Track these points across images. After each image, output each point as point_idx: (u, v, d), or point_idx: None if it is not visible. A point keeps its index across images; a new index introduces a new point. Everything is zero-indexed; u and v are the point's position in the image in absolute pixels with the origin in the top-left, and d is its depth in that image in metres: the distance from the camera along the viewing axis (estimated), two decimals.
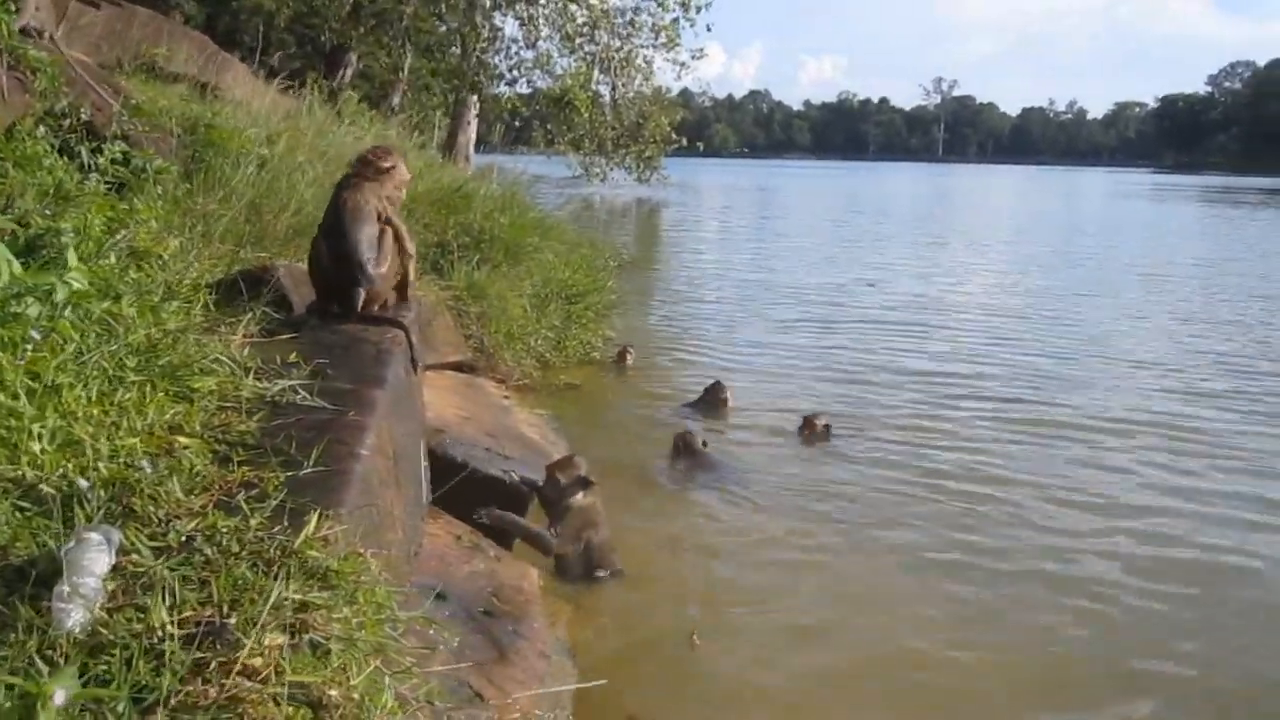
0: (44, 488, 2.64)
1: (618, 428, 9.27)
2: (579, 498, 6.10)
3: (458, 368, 9.24)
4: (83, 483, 2.63)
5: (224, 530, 2.63)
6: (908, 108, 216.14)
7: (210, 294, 5.43)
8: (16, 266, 3.53)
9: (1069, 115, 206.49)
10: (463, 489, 5.97)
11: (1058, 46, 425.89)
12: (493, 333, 10.00)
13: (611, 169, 34.56)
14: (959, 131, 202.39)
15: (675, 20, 30.86)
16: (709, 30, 35.19)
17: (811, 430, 8.98)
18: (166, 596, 2.29)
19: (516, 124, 33.57)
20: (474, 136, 33.61)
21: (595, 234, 19.51)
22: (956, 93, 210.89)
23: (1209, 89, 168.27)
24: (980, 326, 15.15)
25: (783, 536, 6.87)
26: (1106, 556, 6.71)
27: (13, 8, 7.58)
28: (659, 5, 30.69)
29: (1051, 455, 8.80)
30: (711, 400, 9.82)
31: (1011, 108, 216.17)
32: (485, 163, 29.12)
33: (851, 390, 10.89)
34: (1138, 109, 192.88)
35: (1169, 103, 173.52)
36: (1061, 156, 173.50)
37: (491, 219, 11.67)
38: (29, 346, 3.13)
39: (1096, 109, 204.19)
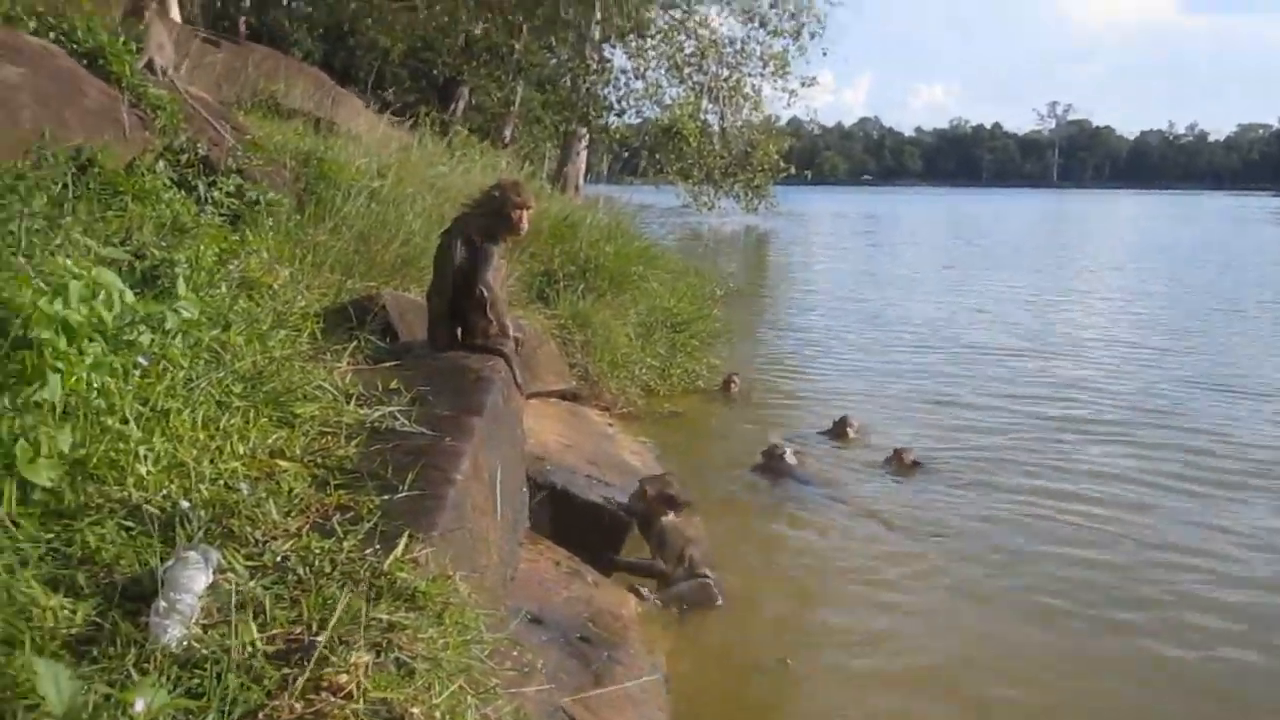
0: (148, 508, 2.74)
1: (721, 456, 9.25)
2: (670, 517, 6.09)
3: (562, 395, 9.32)
4: (184, 504, 2.72)
5: (317, 551, 2.70)
6: (1021, 133, 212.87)
7: (318, 322, 5.57)
8: (129, 296, 3.66)
9: (1189, 138, 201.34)
10: (562, 515, 6.05)
11: (1177, 68, 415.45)
12: (597, 361, 10.07)
13: (720, 198, 34.64)
14: (1074, 156, 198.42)
15: (785, 49, 30.93)
16: (824, 55, 35.12)
17: (900, 463, 8.86)
18: (258, 614, 2.36)
19: (626, 154, 33.89)
20: (584, 167, 34.02)
21: (702, 262, 19.53)
22: (1072, 117, 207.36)
23: None
24: (1094, 358, 14.68)
25: (886, 570, 6.76)
26: (1220, 610, 6.36)
27: (134, 48, 7.90)
28: (769, 34, 30.79)
29: (1168, 495, 8.47)
30: (838, 431, 9.77)
31: (1129, 131, 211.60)
32: (595, 192, 29.44)
33: (957, 420, 10.69)
34: (1261, 131, 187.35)
35: None
36: (1181, 180, 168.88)
37: (597, 248, 11.78)
38: (137, 372, 3.24)
39: (1218, 131, 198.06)
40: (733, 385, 11.37)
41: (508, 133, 30.38)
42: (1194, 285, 25.32)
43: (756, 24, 30.65)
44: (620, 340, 10.53)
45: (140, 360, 3.28)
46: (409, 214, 9.20)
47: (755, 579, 6.54)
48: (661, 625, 5.67)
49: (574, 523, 6.03)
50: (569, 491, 6.18)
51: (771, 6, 30.50)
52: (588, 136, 32.96)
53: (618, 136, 33.63)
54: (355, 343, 5.13)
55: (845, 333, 16.70)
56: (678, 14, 29.75)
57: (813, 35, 31.01)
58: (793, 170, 34.93)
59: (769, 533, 7.55)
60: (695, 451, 9.36)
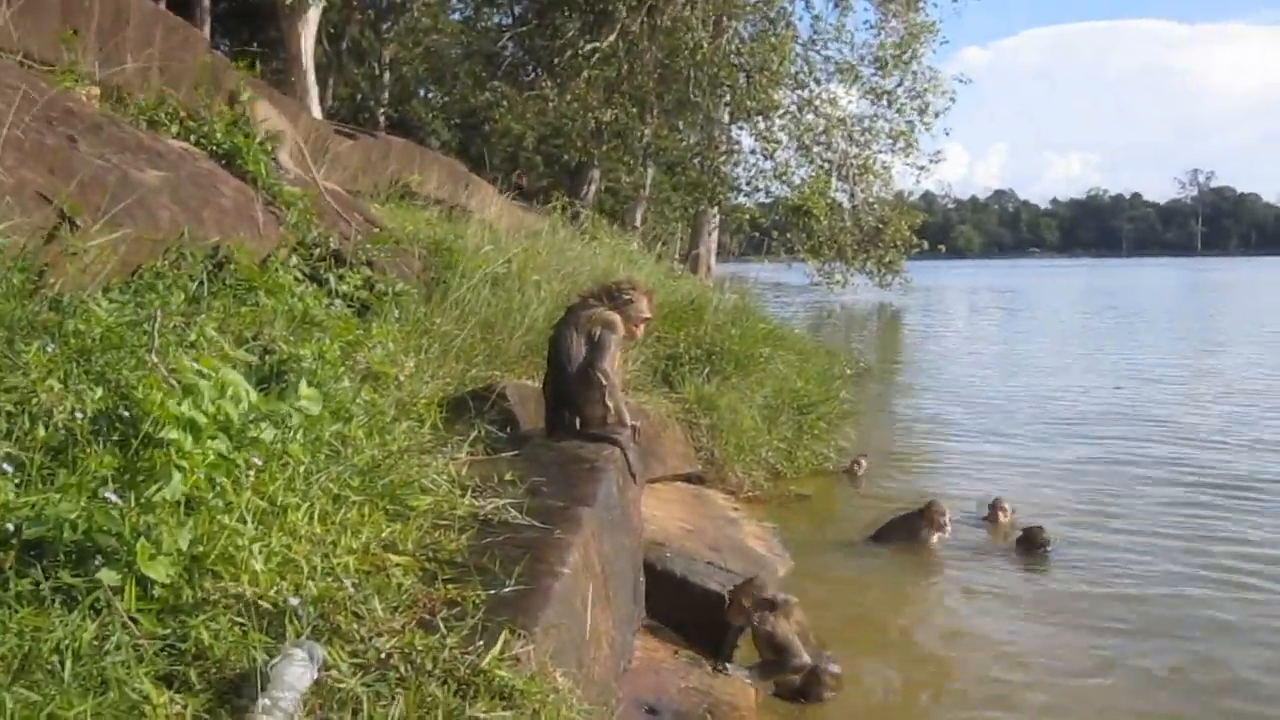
0: (260, 604, 2.83)
1: (845, 540, 9.11)
2: (771, 620, 5.96)
3: (687, 479, 9.33)
4: (293, 600, 2.80)
5: (420, 648, 2.75)
6: (1162, 201, 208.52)
7: (440, 412, 5.70)
8: (254, 394, 3.80)
9: None
10: (681, 603, 6.03)
11: None
12: (723, 444, 10.06)
13: (851, 274, 34.49)
14: (1218, 224, 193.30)
15: (911, 125, 30.88)
16: (947, 135, 34.81)
17: (1031, 544, 8.64)
18: (357, 712, 2.42)
19: (756, 234, 34.02)
20: (714, 247, 34.25)
21: (832, 341, 19.42)
22: (1214, 184, 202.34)
23: None
24: (1241, 442, 13.98)
25: (1022, 655, 6.58)
26: None
27: (269, 148, 8.26)
28: (896, 111, 30.79)
29: None
30: (991, 516, 9.54)
31: (1275, 197, 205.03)
32: (726, 272, 29.62)
33: (1095, 500, 10.37)
34: None
35: None
36: None
37: (723, 330, 11.80)
38: (250, 472, 3.36)
39: None
40: (857, 467, 11.23)
41: (638, 215, 30.80)
42: None
43: (884, 102, 30.64)
44: (746, 423, 10.49)
45: (255, 460, 3.39)
46: (534, 301, 9.35)
47: (883, 669, 6.40)
48: (780, 716, 5.60)
49: (693, 611, 6.00)
50: (688, 579, 6.15)
51: (898, 85, 30.49)
52: (718, 217, 33.23)
53: (747, 216, 33.83)
54: (475, 433, 5.22)
55: (979, 413, 16.34)
56: (805, 93, 29.91)
57: (937, 114, 30.87)
58: (925, 246, 34.63)
59: (891, 614, 7.41)
60: (820, 535, 9.24)
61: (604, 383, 5.66)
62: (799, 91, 29.91)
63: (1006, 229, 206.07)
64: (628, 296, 6.07)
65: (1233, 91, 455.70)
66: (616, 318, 5.97)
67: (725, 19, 27.89)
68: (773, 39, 28.01)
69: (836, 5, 30.03)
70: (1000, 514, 9.46)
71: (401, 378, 6.02)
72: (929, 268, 54.73)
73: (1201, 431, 14.29)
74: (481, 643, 2.83)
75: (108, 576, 2.68)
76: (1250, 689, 6.12)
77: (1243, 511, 9.87)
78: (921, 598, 7.78)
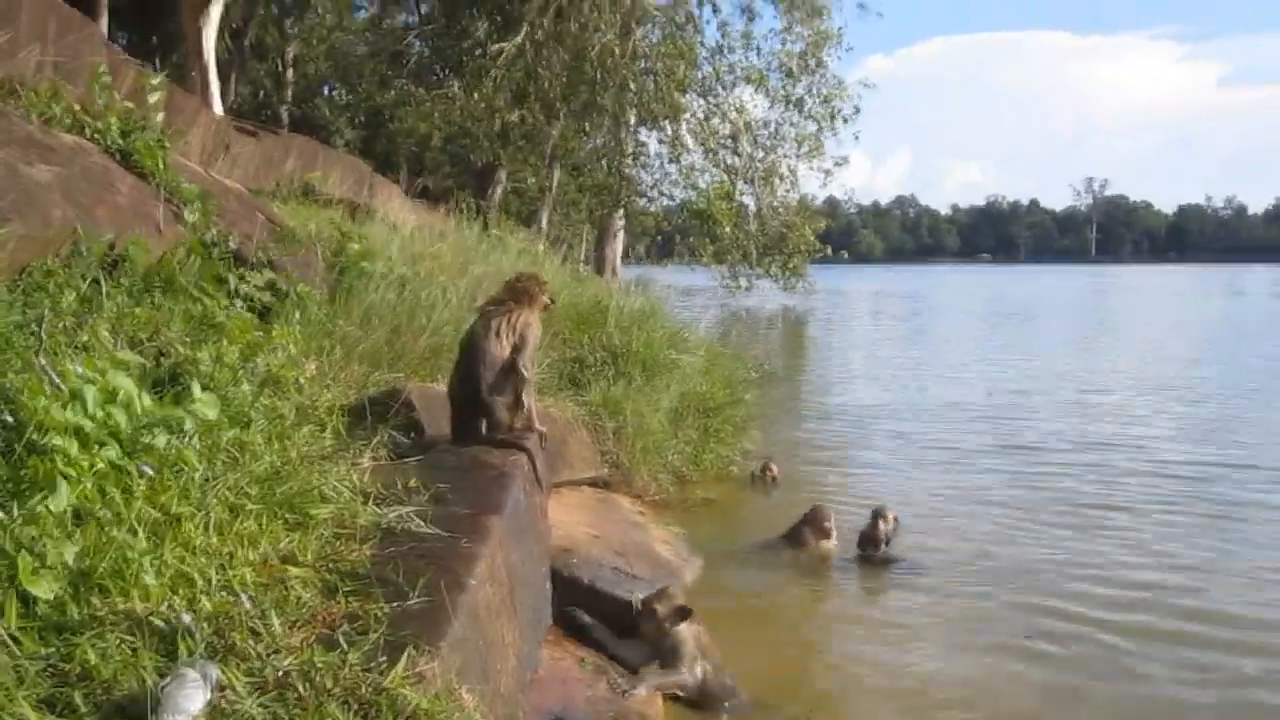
0: (152, 620, 2.70)
1: (753, 546, 9.10)
2: (681, 628, 5.92)
3: (593, 484, 9.26)
4: (186, 618, 2.69)
5: (320, 666, 2.65)
6: (1058, 209, 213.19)
7: (343, 417, 5.57)
8: (147, 400, 3.66)
9: (1229, 212, 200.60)
10: (588, 610, 5.97)
11: (1211, 143, 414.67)
12: (628, 448, 9.99)
13: (756, 278, 34.66)
14: (1113, 231, 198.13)
15: (819, 131, 31.13)
16: (856, 140, 35.09)
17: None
18: None
19: (661, 237, 34.09)
20: (620, 250, 34.23)
21: (738, 345, 19.43)
22: (1108, 192, 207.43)
23: None
24: (1133, 443, 14.27)
25: (922, 667, 6.63)
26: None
27: (165, 144, 8.01)
28: (803, 116, 31.01)
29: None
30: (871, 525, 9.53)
31: (1167, 206, 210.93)
32: (633, 276, 29.57)
33: (1002, 512, 10.50)
34: None
35: None
36: (1222, 255, 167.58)
37: (629, 333, 11.74)
38: (142, 481, 3.23)
39: (1257, 205, 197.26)
40: (770, 472, 11.24)
41: (544, 217, 30.65)
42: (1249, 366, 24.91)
43: (790, 107, 30.84)
44: (652, 426, 10.42)
45: (145, 469, 3.26)
46: (440, 303, 9.21)
47: (785, 677, 6.39)
48: None
49: (601, 618, 5.94)
50: (595, 586, 6.10)
51: (806, 92, 30.71)
52: (624, 220, 33.22)
53: (652, 220, 33.88)
54: (378, 438, 5.11)
55: (883, 417, 16.51)
56: (713, 99, 30.02)
57: (845, 120, 31.16)
58: (829, 251, 34.97)
59: (802, 625, 7.46)
60: (727, 540, 9.21)
61: (526, 381, 5.61)
62: (706, 97, 29.98)
63: (909, 235, 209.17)
64: (538, 289, 6.02)
65: (1127, 102, 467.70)
66: (535, 318, 5.91)
67: (633, 23, 27.85)
68: (680, 44, 28.07)
69: (743, 13, 30.15)
70: (880, 521, 9.44)
71: (302, 381, 5.88)
72: (833, 272, 55.30)
73: (1106, 440, 14.55)
74: (385, 660, 2.73)
75: None
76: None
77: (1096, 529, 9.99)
78: (805, 607, 7.84)
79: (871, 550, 8.58)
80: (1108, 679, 6.40)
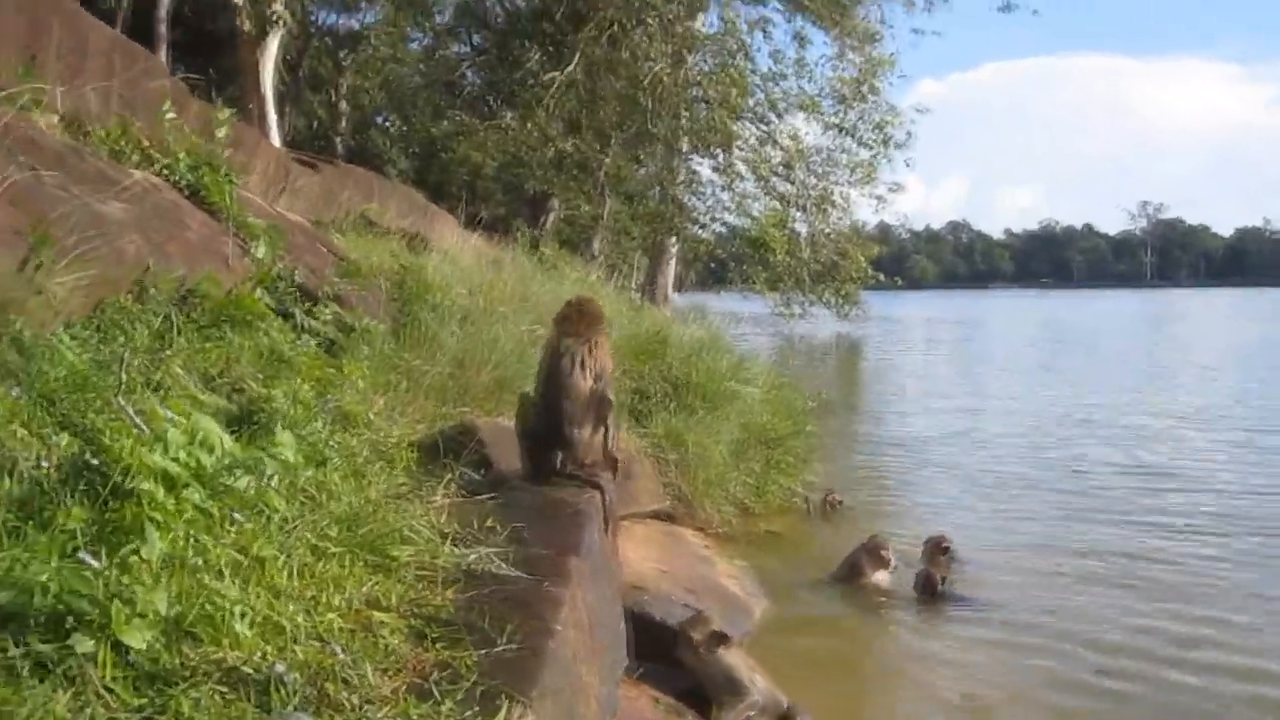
0: (244, 670, 2.66)
1: (816, 579, 9.00)
2: (725, 653, 5.82)
3: (656, 516, 9.20)
4: (279, 668, 2.64)
5: (415, 718, 2.60)
6: (1113, 233, 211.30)
7: (412, 453, 5.55)
8: (229, 442, 3.65)
9: None
10: (662, 648, 5.89)
11: (1261, 165, 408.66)
12: (691, 480, 9.93)
13: (810, 306, 34.47)
14: (1169, 255, 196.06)
15: (873, 157, 30.98)
16: (909, 165, 34.77)
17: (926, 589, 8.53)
18: None
19: (714, 265, 34.06)
20: (672, 277, 34.24)
21: (794, 373, 19.32)
22: (1164, 215, 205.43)
23: None
24: (1205, 480, 13.93)
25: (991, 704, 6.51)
26: None
27: (235, 181, 8.08)
28: (857, 143, 30.88)
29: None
30: (929, 554, 9.41)
31: (1223, 228, 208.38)
32: (685, 303, 29.56)
33: (1063, 543, 10.33)
34: None
35: None
36: None
37: (690, 364, 11.68)
38: (232, 529, 3.20)
39: None
40: (831, 501, 11.15)
41: (596, 245, 30.71)
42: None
43: (844, 134, 30.70)
44: (715, 458, 10.36)
45: (235, 515, 3.24)
46: (502, 335, 9.20)
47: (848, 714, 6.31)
48: None
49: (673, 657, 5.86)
50: (667, 624, 6.02)
51: (859, 118, 30.58)
52: (677, 247, 33.22)
53: (705, 248, 33.84)
54: (451, 476, 5.07)
55: (941, 446, 16.37)
56: (767, 127, 29.98)
57: (897, 146, 31.00)
58: (882, 278, 34.77)
59: (861, 663, 7.34)
60: (791, 573, 9.12)
61: (613, 406, 5.57)
62: (759, 124, 29.95)
63: (961, 259, 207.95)
64: (598, 318, 5.95)
65: (1182, 126, 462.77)
66: (608, 344, 5.85)
67: (685, 51, 27.91)
68: (732, 72, 28.09)
69: (795, 38, 30.10)
70: (938, 551, 9.34)
71: (371, 417, 5.87)
72: (886, 298, 54.97)
73: (1175, 471, 14.27)
74: (479, 710, 2.68)
75: (81, 644, 2.51)
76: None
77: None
78: (872, 643, 7.76)
79: (928, 593, 8.43)
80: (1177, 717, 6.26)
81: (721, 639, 5.87)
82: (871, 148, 30.93)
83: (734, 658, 5.86)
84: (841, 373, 31.00)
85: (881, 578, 8.76)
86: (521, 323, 9.83)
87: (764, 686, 5.83)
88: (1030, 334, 51.60)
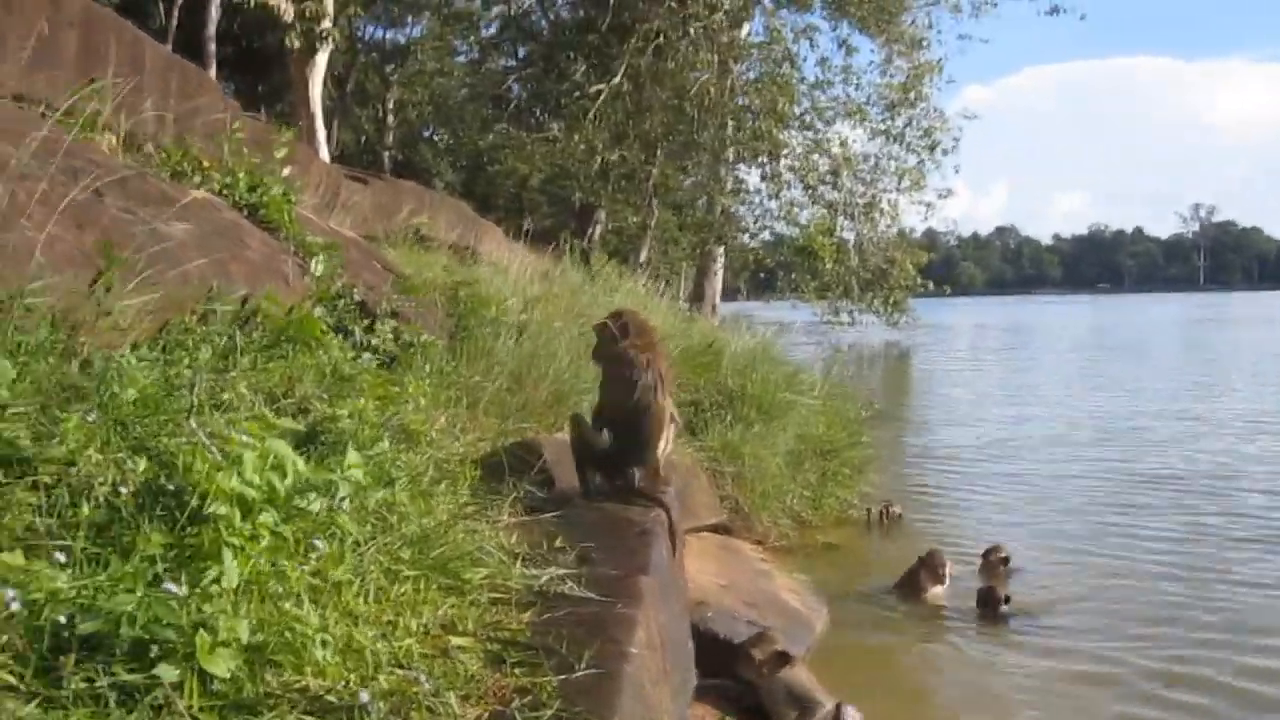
0: (329, 699, 2.65)
1: (875, 592, 8.93)
2: (790, 671, 5.76)
3: (713, 530, 9.15)
4: (364, 696, 2.62)
5: None
6: (1164, 236, 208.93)
7: (476, 470, 5.53)
8: (301, 464, 3.64)
9: None
10: (726, 665, 5.85)
11: None
12: (748, 493, 9.88)
13: (859, 314, 34.28)
14: (1221, 258, 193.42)
15: (920, 163, 30.80)
16: (956, 172, 34.47)
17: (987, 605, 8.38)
18: None
19: (762, 274, 33.98)
20: (720, 286, 34.18)
21: (846, 384, 19.20)
22: (1215, 219, 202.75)
23: None
24: (1251, 476, 13.84)
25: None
26: None
27: (293, 198, 8.12)
28: (905, 149, 30.72)
29: None
30: (985, 566, 9.32)
31: (1277, 231, 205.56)
32: (732, 311, 29.49)
33: (1122, 550, 10.20)
34: None
35: None
36: None
37: (744, 375, 11.63)
38: (312, 556, 3.19)
39: None
40: (889, 513, 11.06)
41: (644, 255, 30.74)
42: None
43: (891, 141, 30.55)
44: (771, 470, 10.31)
45: (316, 544, 3.23)
46: (559, 349, 9.19)
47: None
48: None
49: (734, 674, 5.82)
50: (732, 642, 5.97)
51: (906, 125, 30.42)
52: (724, 256, 33.16)
53: (753, 256, 33.74)
54: (515, 494, 5.05)
55: (993, 455, 16.22)
56: (813, 134, 29.88)
57: (945, 152, 30.81)
58: (930, 287, 34.53)
59: (925, 681, 7.26)
60: (849, 586, 9.04)
61: (679, 427, 5.54)
62: (806, 132, 29.85)
63: (1009, 265, 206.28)
64: (653, 330, 5.92)
65: (1233, 127, 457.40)
66: (658, 360, 5.80)
67: (731, 61, 27.88)
68: (779, 80, 28.02)
69: (841, 46, 29.97)
70: (996, 563, 9.26)
71: (434, 434, 5.85)
72: (934, 305, 54.57)
73: (1231, 488, 13.87)
74: None
75: (167, 673, 2.50)
76: None
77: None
78: (929, 657, 7.67)
79: (991, 609, 8.31)
80: None
81: (784, 659, 5.82)
82: (919, 154, 30.77)
83: (798, 674, 5.81)
84: (891, 381, 30.80)
85: (939, 592, 8.69)
86: (574, 335, 9.82)
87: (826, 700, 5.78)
88: (1081, 340, 51.09)
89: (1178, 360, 35.51)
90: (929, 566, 8.81)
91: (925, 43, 30.66)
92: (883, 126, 30.35)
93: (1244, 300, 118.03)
